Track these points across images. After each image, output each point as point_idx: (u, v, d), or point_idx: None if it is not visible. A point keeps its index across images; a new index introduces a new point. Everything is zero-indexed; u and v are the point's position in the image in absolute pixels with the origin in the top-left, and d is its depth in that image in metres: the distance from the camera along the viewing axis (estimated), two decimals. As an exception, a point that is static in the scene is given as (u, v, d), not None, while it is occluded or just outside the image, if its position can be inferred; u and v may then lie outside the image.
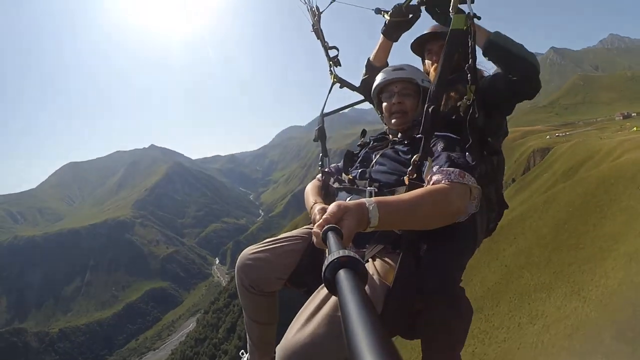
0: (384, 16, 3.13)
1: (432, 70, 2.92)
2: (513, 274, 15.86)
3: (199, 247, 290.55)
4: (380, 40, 3.26)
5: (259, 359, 2.71)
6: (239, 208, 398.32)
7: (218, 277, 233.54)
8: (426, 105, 2.16)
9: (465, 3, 2.17)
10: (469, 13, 2.12)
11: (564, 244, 15.66)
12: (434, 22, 2.81)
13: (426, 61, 3.13)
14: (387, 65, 3.20)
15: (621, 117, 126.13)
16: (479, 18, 2.16)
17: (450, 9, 2.17)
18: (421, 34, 3.06)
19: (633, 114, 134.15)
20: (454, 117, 2.46)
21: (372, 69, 3.25)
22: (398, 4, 3.02)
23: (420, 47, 3.17)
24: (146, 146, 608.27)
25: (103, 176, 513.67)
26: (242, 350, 2.92)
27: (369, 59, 3.33)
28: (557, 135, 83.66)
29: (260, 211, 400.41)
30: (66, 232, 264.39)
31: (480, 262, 19.93)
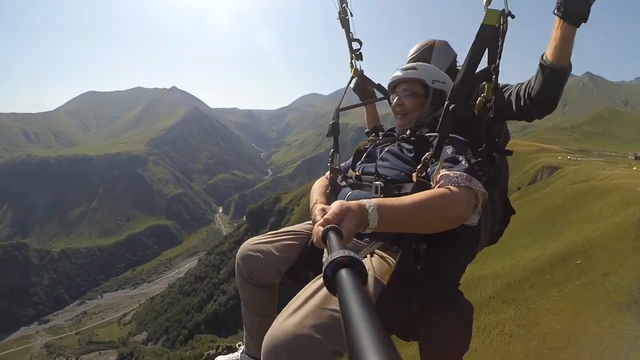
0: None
1: None
2: (503, 238, 21.23)
3: (205, 193, 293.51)
4: (365, 111, 3.53)
5: (255, 350, 2.64)
6: (249, 163, 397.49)
7: (219, 224, 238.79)
8: (446, 103, 2.06)
9: None
10: (503, 10, 2.01)
11: (542, 226, 21.31)
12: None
13: None
14: (379, 124, 3.38)
15: (633, 157, 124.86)
16: (513, 17, 2.03)
17: (484, 2, 2.05)
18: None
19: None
20: (466, 116, 2.25)
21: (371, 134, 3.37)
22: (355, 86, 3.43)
23: None
24: (168, 87, 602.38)
25: (121, 109, 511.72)
26: (240, 342, 2.96)
27: (366, 132, 3.39)
28: (568, 158, 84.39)
29: (269, 170, 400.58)
30: (80, 158, 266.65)
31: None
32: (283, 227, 2.77)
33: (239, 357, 2.82)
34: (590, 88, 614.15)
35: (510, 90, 2.43)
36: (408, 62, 2.98)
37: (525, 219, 24.15)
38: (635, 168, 70.93)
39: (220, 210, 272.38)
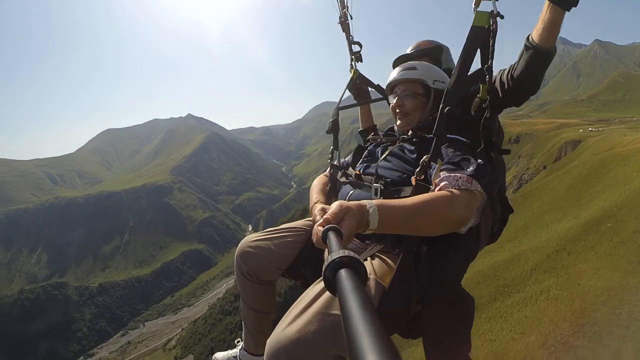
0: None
1: None
2: (536, 215, 21.89)
3: (233, 213, 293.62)
4: (359, 111, 3.59)
5: (253, 348, 2.68)
6: (272, 179, 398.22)
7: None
8: (441, 106, 2.06)
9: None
10: (492, 11, 2.04)
11: (572, 197, 22.25)
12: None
13: None
14: (373, 124, 3.50)
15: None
16: (502, 17, 2.05)
17: (473, 5, 2.09)
18: None
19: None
20: (464, 117, 2.22)
21: (365, 132, 3.45)
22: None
23: None
24: (183, 115, 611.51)
25: (140, 143, 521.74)
26: (238, 339, 2.97)
27: (359, 130, 3.51)
28: (590, 130, 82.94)
29: (293, 183, 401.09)
30: (107, 194, 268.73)
31: (516, 203, 27.24)
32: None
33: (237, 353, 2.81)
34: (602, 55, 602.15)
35: (495, 79, 2.37)
36: (413, 52, 3.10)
37: (555, 194, 25.30)
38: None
39: (250, 228, 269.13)
